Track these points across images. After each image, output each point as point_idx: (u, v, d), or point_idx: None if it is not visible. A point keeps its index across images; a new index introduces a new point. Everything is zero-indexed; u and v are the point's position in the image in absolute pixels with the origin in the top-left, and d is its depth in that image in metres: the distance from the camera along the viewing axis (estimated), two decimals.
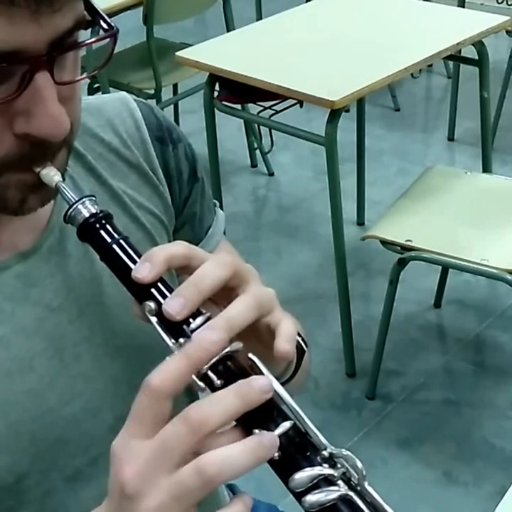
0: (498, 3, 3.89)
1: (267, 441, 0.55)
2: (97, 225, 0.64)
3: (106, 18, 0.64)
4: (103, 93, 2.88)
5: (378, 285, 2.55)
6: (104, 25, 0.64)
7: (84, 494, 0.75)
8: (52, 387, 0.73)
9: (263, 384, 0.56)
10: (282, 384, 0.70)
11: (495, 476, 2.04)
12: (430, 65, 3.85)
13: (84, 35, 0.64)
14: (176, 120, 3.52)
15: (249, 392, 0.56)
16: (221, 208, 2.85)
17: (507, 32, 3.06)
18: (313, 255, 2.88)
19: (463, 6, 3.41)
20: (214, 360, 0.59)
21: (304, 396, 2.28)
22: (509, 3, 3.86)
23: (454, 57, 2.68)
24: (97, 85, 2.93)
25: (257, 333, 0.65)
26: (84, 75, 0.66)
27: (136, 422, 0.56)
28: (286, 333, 0.63)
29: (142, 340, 0.62)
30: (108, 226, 0.65)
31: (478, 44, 2.42)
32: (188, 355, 0.56)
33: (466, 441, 2.15)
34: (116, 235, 0.65)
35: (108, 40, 0.64)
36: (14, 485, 0.72)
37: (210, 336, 0.57)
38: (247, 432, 0.57)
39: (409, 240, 2.05)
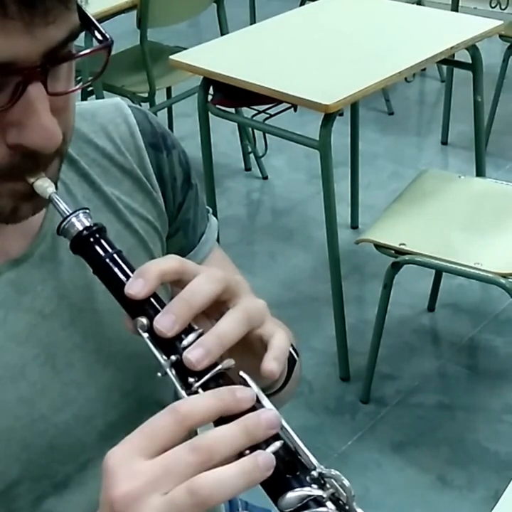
0: (492, 7, 3.89)
1: (262, 463, 0.55)
2: (91, 239, 0.64)
3: (101, 28, 0.63)
4: (97, 96, 2.87)
5: (372, 289, 2.55)
6: (99, 36, 0.63)
7: (74, 500, 0.75)
8: (44, 395, 0.73)
9: (271, 419, 0.57)
10: (273, 394, 0.70)
11: (489, 480, 2.04)
12: (424, 69, 3.85)
13: (79, 38, 0.63)
14: (170, 124, 3.52)
15: (256, 428, 0.56)
16: (215, 211, 2.85)
17: (500, 36, 3.06)
18: (307, 259, 2.88)
19: (456, 11, 3.42)
20: (206, 377, 0.59)
21: (298, 400, 2.28)
22: (502, 7, 3.87)
23: (448, 62, 2.68)
24: (90, 89, 2.92)
25: (250, 346, 0.65)
26: (78, 85, 0.66)
27: (147, 438, 0.56)
28: (277, 348, 0.63)
29: (135, 348, 0.62)
30: (102, 240, 0.65)
31: (472, 48, 2.43)
32: (221, 399, 0.57)
33: (460, 445, 2.15)
34: (109, 249, 0.65)
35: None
36: (5, 492, 0.71)
37: (246, 393, 0.58)
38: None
39: (403, 244, 2.05)
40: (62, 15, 0.58)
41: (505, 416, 2.23)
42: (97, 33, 0.63)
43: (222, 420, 0.57)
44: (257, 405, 0.59)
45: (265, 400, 0.60)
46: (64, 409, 0.74)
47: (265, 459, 0.55)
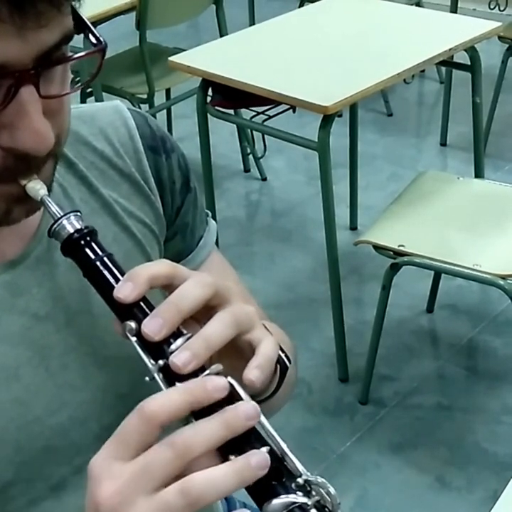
0: (491, 8, 3.89)
1: (254, 462, 0.55)
2: (81, 242, 0.64)
3: (95, 31, 0.63)
4: (96, 98, 2.87)
5: (371, 290, 2.55)
6: (93, 40, 0.63)
7: (69, 503, 0.75)
8: (38, 397, 0.73)
9: (248, 411, 0.57)
10: (264, 400, 0.70)
11: (487, 481, 2.04)
12: (423, 71, 3.85)
13: (77, 39, 0.63)
14: (169, 125, 3.52)
15: (234, 420, 0.56)
16: (214, 213, 2.84)
17: (499, 37, 3.07)
18: (306, 260, 2.88)
19: (455, 12, 3.42)
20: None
21: (297, 401, 2.28)
22: (501, 8, 3.87)
23: (447, 63, 2.68)
24: (89, 90, 2.93)
25: (239, 351, 0.65)
26: (71, 88, 0.65)
27: (120, 443, 0.56)
28: (262, 356, 0.63)
29: (130, 351, 0.62)
30: (92, 243, 0.65)
31: (471, 50, 2.43)
32: (190, 392, 0.56)
33: (459, 446, 2.15)
34: (100, 252, 0.64)
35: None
36: None
37: (217, 382, 0.57)
38: (224, 455, 0.57)
39: (401, 245, 2.05)
40: (54, 18, 0.57)
41: (504, 417, 2.23)
42: (91, 36, 0.63)
43: (202, 413, 0.57)
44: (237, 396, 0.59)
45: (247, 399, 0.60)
46: (59, 411, 0.74)
47: (258, 458, 0.55)
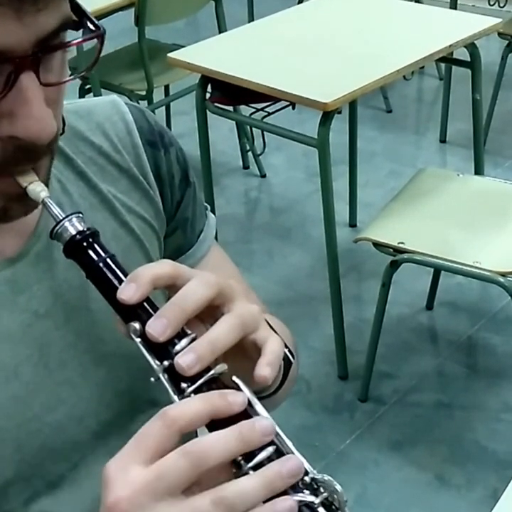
0: (490, 5, 3.89)
1: (286, 471, 0.55)
2: (84, 243, 0.64)
3: (93, 19, 0.63)
4: (94, 94, 2.87)
5: (370, 287, 2.55)
6: (91, 27, 0.63)
7: (67, 499, 0.75)
8: (37, 394, 0.72)
9: (265, 427, 0.57)
10: (268, 396, 0.69)
11: (487, 479, 2.04)
12: (422, 67, 3.84)
13: (75, 36, 0.63)
14: (168, 122, 3.51)
15: (251, 435, 0.56)
16: (213, 209, 2.86)
17: (499, 34, 3.06)
18: (305, 257, 2.88)
19: (455, 8, 3.42)
20: (199, 382, 0.59)
21: (297, 399, 2.28)
22: (501, 5, 3.86)
23: (446, 59, 2.68)
24: (88, 86, 2.92)
25: (244, 351, 0.64)
26: (72, 76, 0.65)
27: (140, 446, 0.56)
28: (270, 354, 0.63)
29: (129, 348, 0.62)
30: (95, 244, 0.64)
31: (470, 46, 2.43)
32: (211, 403, 0.57)
33: (458, 444, 2.15)
34: (102, 254, 0.64)
35: (96, 41, 0.64)
36: None
37: (237, 396, 0.58)
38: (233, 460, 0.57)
39: (401, 242, 2.04)
40: (52, 2, 0.57)
41: (504, 415, 2.22)
42: (89, 24, 0.63)
43: (216, 425, 0.57)
44: (249, 409, 0.59)
45: (258, 406, 0.60)
46: (57, 408, 0.73)
47: (291, 466, 0.55)
